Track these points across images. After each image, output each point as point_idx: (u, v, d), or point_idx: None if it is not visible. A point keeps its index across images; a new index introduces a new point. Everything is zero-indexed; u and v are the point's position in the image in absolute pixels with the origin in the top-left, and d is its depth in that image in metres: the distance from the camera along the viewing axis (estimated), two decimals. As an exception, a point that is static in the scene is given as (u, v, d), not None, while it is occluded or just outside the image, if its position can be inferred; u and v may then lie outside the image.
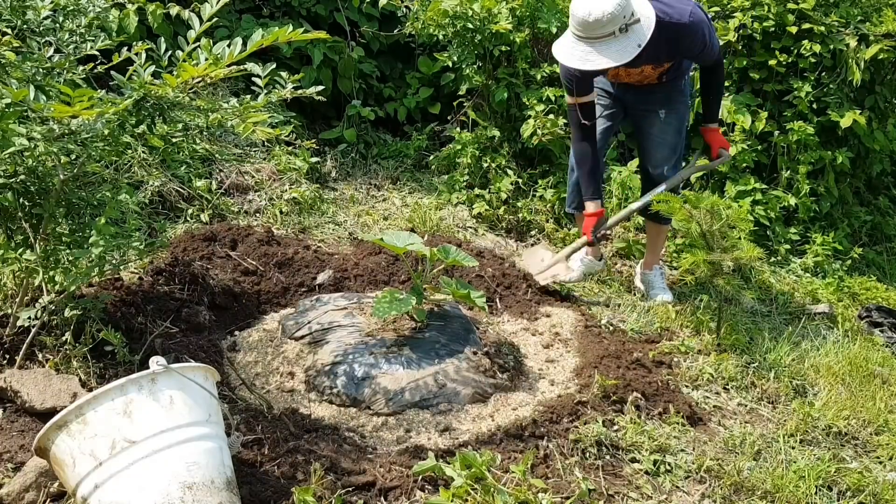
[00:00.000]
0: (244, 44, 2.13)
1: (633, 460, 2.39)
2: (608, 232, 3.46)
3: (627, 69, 3.26)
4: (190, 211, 3.65)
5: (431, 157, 4.75)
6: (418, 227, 3.99)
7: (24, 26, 2.30)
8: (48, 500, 1.87)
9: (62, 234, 2.28)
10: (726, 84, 4.81)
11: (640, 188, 4.51)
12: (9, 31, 2.26)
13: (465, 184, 4.45)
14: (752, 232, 4.24)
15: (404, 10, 4.72)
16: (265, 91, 2.32)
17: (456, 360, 2.63)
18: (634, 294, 3.70)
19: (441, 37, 4.51)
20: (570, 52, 3.04)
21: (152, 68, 2.20)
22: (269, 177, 4.10)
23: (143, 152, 2.32)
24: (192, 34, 2.18)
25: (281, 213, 3.85)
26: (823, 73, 4.69)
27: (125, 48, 2.35)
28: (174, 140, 2.33)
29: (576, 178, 3.58)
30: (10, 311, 2.37)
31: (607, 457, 2.37)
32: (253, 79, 2.35)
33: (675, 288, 3.83)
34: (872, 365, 3.33)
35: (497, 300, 3.32)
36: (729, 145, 3.57)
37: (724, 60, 4.74)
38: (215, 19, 2.27)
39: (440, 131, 4.97)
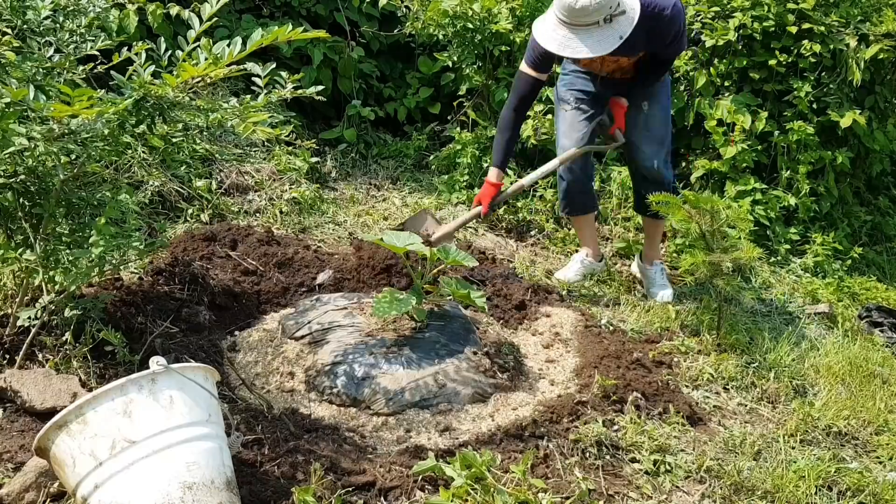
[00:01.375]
0: (244, 43, 2.13)
1: (633, 460, 2.39)
2: (504, 204, 3.61)
3: (603, 58, 3.22)
4: (190, 211, 3.65)
5: (431, 157, 4.76)
6: (419, 227, 3.99)
7: (24, 26, 2.29)
8: (48, 500, 1.86)
9: (62, 234, 2.28)
10: (726, 84, 4.82)
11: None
12: (9, 31, 2.26)
13: (465, 184, 4.45)
14: (752, 232, 4.25)
15: (404, 10, 4.72)
16: (265, 91, 2.32)
17: (456, 360, 2.63)
18: (635, 294, 3.70)
19: (441, 37, 4.52)
20: (550, 35, 3.02)
21: (152, 68, 2.20)
22: (269, 177, 4.11)
23: (143, 152, 2.31)
24: (191, 34, 2.18)
25: (281, 213, 3.85)
26: (823, 73, 4.70)
27: (125, 48, 2.35)
28: (174, 140, 2.32)
29: (566, 185, 3.58)
30: (10, 311, 2.37)
31: (607, 457, 2.37)
32: (253, 79, 2.35)
33: (675, 288, 3.84)
34: (872, 365, 3.33)
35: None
36: (624, 129, 3.44)
37: (725, 60, 4.77)
38: (215, 19, 2.27)
39: (440, 131, 4.97)
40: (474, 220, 3.63)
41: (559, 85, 3.61)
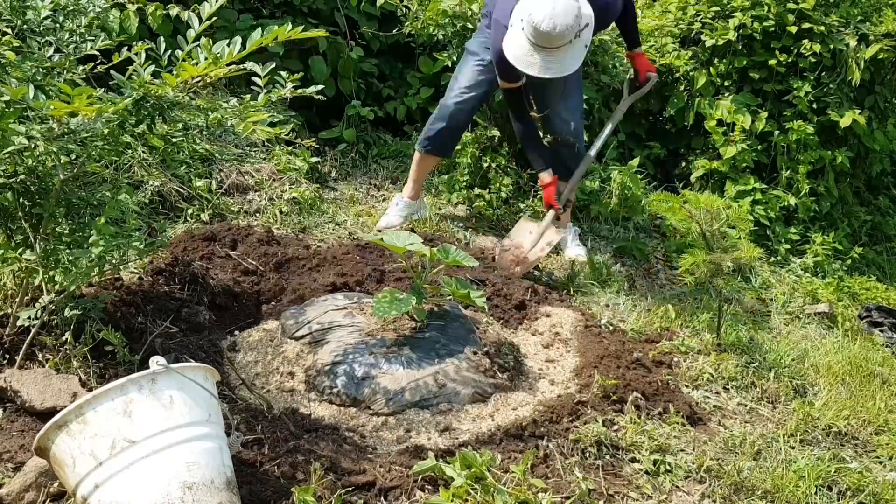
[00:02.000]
0: (244, 44, 2.13)
1: (633, 460, 2.39)
2: (571, 196, 3.71)
3: None
4: (190, 211, 3.65)
5: (431, 157, 4.74)
6: (418, 227, 3.99)
7: (25, 26, 2.29)
8: (48, 500, 1.86)
9: (62, 233, 2.28)
10: (726, 84, 4.82)
11: (641, 188, 4.51)
12: (9, 30, 2.26)
13: (465, 184, 4.45)
14: (752, 232, 4.24)
15: (404, 9, 4.72)
16: (265, 90, 2.32)
17: (456, 360, 2.63)
18: (634, 293, 3.70)
19: (441, 36, 4.51)
20: (529, 61, 3.17)
21: (152, 68, 2.20)
22: (269, 177, 4.10)
23: (144, 152, 2.31)
24: (191, 33, 2.18)
25: (281, 213, 3.85)
26: (823, 73, 4.70)
27: (125, 48, 2.34)
28: (174, 140, 2.32)
29: (444, 126, 3.74)
30: (10, 311, 2.37)
31: (607, 457, 2.37)
32: (253, 78, 2.35)
33: (675, 287, 3.83)
34: (872, 365, 3.33)
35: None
36: (655, 69, 3.80)
37: (725, 60, 4.77)
38: (214, 18, 2.27)
39: (440, 131, 4.96)
40: (555, 220, 3.76)
41: (475, 37, 3.80)
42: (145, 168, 3.32)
